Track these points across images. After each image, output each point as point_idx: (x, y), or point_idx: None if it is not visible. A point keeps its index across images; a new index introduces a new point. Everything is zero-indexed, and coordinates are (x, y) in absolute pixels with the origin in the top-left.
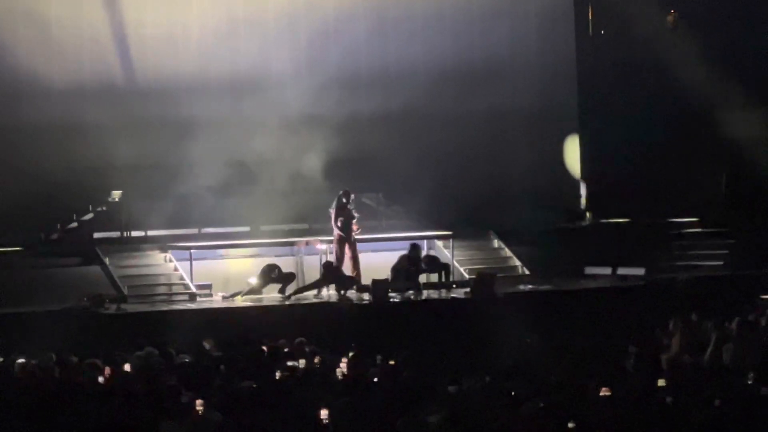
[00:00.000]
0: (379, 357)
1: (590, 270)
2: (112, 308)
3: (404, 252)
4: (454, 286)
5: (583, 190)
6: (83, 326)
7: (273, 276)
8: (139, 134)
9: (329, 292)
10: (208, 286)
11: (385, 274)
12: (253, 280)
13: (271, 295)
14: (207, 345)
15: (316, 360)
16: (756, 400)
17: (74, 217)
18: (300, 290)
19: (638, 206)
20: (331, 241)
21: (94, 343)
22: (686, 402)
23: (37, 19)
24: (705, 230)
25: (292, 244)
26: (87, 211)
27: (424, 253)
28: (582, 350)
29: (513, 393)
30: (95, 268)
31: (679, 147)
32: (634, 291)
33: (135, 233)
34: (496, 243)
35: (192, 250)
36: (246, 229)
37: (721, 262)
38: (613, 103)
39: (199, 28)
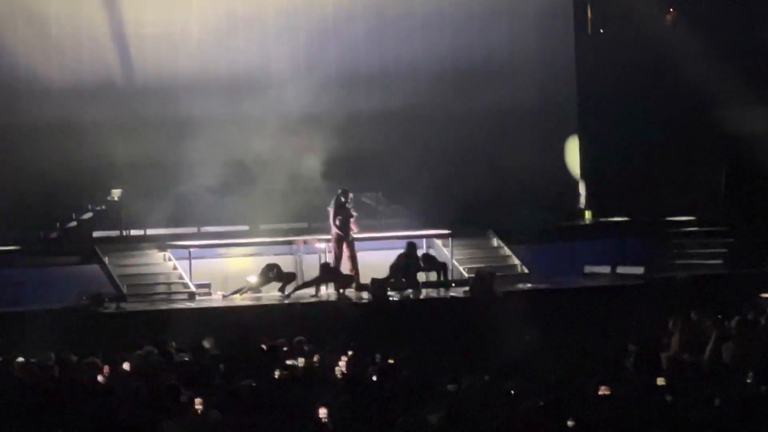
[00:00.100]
0: (378, 356)
1: (589, 269)
2: (112, 307)
3: (403, 251)
4: (453, 285)
5: (582, 189)
6: (82, 325)
7: (272, 275)
8: (138, 133)
9: (328, 291)
10: (208, 285)
11: (384, 272)
12: (253, 279)
13: (270, 294)
14: (206, 344)
15: (315, 359)
16: (755, 398)
17: (73, 216)
18: (298, 288)
19: (638, 205)
20: (329, 240)
21: (94, 342)
22: (686, 401)
23: (37, 19)
24: (704, 229)
25: (291, 243)
26: (86, 210)
27: (422, 251)
28: (581, 349)
29: (512, 392)
30: (94, 267)
31: (678, 146)
32: (633, 290)
33: (134, 232)
34: (495, 242)
35: (191, 249)
36: (245, 228)
37: (721, 261)
38: (613, 101)
39: (198, 27)
